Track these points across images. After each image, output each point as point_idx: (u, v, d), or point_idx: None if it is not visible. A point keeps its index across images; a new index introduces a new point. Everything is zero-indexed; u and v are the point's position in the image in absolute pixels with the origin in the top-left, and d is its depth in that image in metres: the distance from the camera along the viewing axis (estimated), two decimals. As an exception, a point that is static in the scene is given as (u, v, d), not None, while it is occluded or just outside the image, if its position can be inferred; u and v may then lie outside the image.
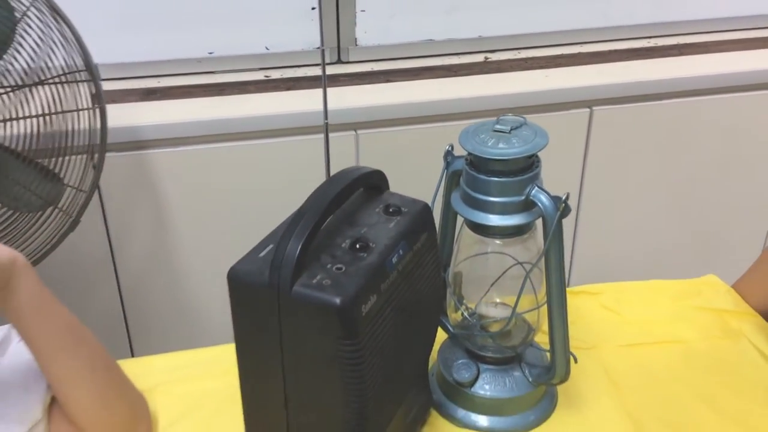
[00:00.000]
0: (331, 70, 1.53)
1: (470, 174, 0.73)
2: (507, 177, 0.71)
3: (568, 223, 1.62)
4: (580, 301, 0.98)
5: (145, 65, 1.45)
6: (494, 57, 1.60)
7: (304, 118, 1.37)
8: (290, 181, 1.39)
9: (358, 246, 0.65)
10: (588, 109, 1.48)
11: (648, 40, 1.67)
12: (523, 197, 0.72)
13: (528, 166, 0.72)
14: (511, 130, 0.72)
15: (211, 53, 1.47)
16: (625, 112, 1.50)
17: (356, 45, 1.52)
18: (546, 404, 0.83)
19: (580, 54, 1.61)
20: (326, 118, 0.95)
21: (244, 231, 1.38)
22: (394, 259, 0.66)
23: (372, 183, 0.72)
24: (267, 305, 0.62)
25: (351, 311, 0.60)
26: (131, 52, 1.42)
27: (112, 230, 1.37)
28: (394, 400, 0.73)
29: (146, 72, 1.45)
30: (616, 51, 1.63)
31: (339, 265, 0.63)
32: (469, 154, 0.73)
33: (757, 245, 1.01)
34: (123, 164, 1.32)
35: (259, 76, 1.50)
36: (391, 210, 0.70)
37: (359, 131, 1.40)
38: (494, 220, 0.73)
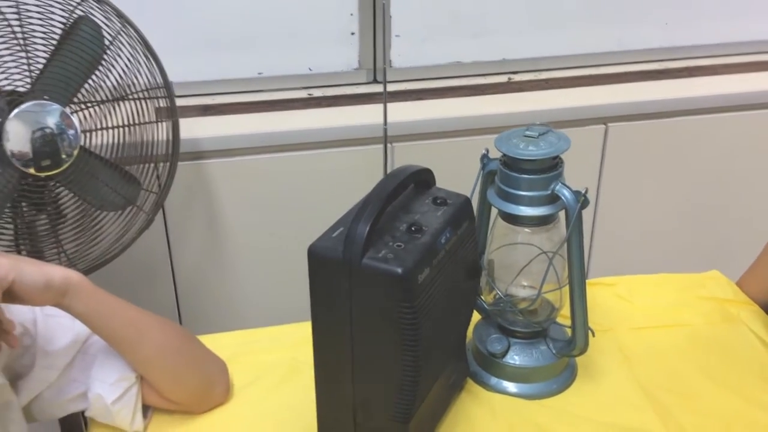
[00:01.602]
0: (367, 89, 1.68)
1: (504, 172, 0.87)
2: (535, 174, 0.85)
3: (585, 227, 1.74)
4: (597, 291, 1.11)
5: (201, 84, 1.59)
6: (517, 78, 1.74)
7: (343, 132, 1.52)
8: (329, 188, 1.53)
9: (413, 228, 0.79)
10: (603, 126, 1.62)
11: (659, 63, 1.81)
12: (548, 192, 0.85)
13: (553, 166, 0.86)
14: (539, 135, 0.86)
15: (260, 74, 1.62)
16: (638, 128, 1.63)
17: (391, 66, 1.66)
18: (567, 375, 0.96)
19: (596, 75, 1.75)
20: (386, 123, 1.09)
21: (287, 232, 1.53)
22: (443, 240, 0.80)
23: (422, 179, 0.86)
24: (340, 275, 0.75)
25: (410, 279, 0.74)
26: (190, 73, 1.57)
27: (170, 230, 1.51)
28: (439, 363, 0.86)
29: (203, 90, 1.60)
30: (629, 73, 1.77)
31: (399, 243, 0.76)
32: (504, 155, 0.87)
33: (759, 248, 1.14)
34: (182, 171, 1.46)
35: (302, 94, 1.65)
36: (438, 201, 0.84)
37: (394, 144, 1.54)
38: (524, 210, 0.87)
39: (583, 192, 0.83)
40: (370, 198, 0.78)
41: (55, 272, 0.77)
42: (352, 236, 0.75)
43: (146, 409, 0.90)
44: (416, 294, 0.75)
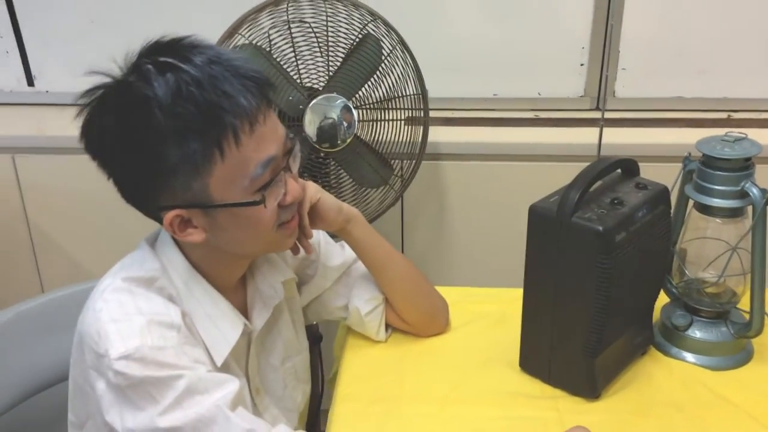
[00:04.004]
0: (589, 115, 1.87)
1: (702, 170, 1.04)
2: (729, 172, 1.01)
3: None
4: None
5: (446, 100, 1.88)
6: (737, 116, 1.84)
7: (561, 149, 1.74)
8: (542, 195, 1.74)
9: (615, 201, 0.98)
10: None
11: None
12: (739, 188, 1.01)
13: (745, 167, 1.01)
14: (734, 141, 1.02)
15: (495, 95, 1.88)
16: None
17: (614, 96, 1.85)
18: (743, 355, 1.09)
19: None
20: (600, 144, 1.29)
21: (504, 230, 1.76)
22: (640, 214, 0.98)
23: (627, 166, 1.05)
24: (552, 229, 0.97)
25: (608, 237, 0.94)
26: (438, 90, 1.86)
27: (406, 216, 1.81)
28: (627, 318, 1.04)
29: (446, 105, 1.89)
30: None
31: (603, 210, 0.97)
32: (704, 155, 1.03)
33: None
34: (422, 168, 1.75)
35: (530, 115, 1.88)
36: (640, 185, 1.03)
37: (609, 164, 1.71)
38: (717, 202, 1.03)
39: (770, 190, 0.98)
40: (582, 174, 0.99)
41: (344, 204, 1.07)
42: (564, 200, 0.97)
43: (387, 328, 1.18)
44: (612, 249, 0.94)
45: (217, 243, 0.90)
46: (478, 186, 1.78)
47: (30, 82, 1.93)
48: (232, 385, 0.87)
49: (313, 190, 1.02)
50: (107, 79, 0.84)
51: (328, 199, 1.04)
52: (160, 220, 0.89)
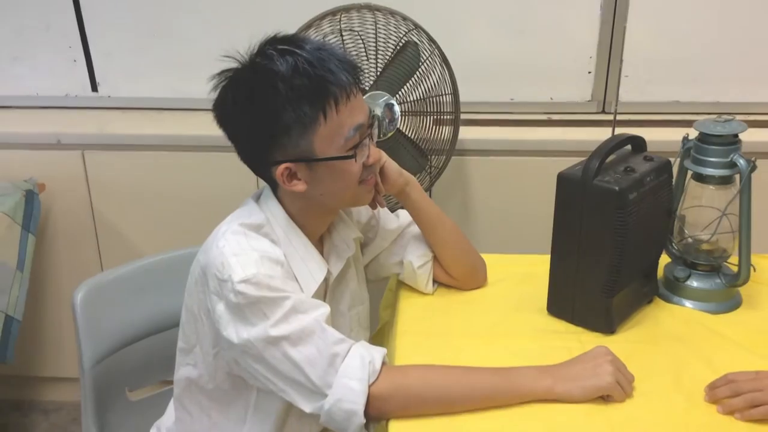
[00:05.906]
0: (595, 117, 2.10)
1: (699, 145, 1.27)
2: (721, 146, 1.24)
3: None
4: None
5: (469, 104, 2.09)
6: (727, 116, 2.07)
7: (573, 144, 1.96)
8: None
9: (628, 169, 1.20)
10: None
11: None
12: (728, 159, 1.23)
13: (734, 141, 1.24)
14: (725, 121, 1.25)
15: (511, 99, 2.11)
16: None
17: (617, 101, 2.08)
18: (733, 302, 1.31)
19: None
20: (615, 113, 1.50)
21: (522, 213, 1.98)
22: (648, 179, 1.21)
23: (636, 143, 1.28)
24: (577, 191, 1.19)
25: (623, 195, 1.16)
26: (463, 95, 2.08)
27: (435, 206, 2.03)
28: (637, 268, 1.26)
29: (470, 109, 2.10)
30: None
31: (618, 175, 1.19)
32: (700, 133, 1.26)
33: None
34: (450, 162, 1.98)
35: (543, 117, 2.11)
36: (647, 158, 1.25)
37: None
38: (710, 171, 1.25)
39: (752, 160, 1.20)
40: (600, 147, 1.22)
41: (403, 169, 1.29)
42: (587, 167, 1.19)
43: (433, 283, 1.39)
44: (626, 206, 1.16)
45: (313, 194, 1.12)
46: (499, 178, 2.01)
47: (94, 88, 2.16)
48: (324, 308, 1.08)
49: (379, 152, 1.23)
50: (232, 65, 1.07)
51: (391, 163, 1.26)
52: (267, 176, 1.11)
